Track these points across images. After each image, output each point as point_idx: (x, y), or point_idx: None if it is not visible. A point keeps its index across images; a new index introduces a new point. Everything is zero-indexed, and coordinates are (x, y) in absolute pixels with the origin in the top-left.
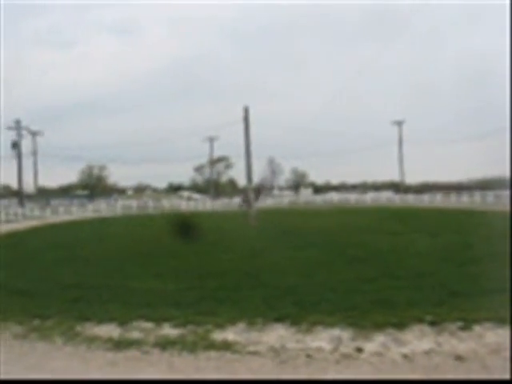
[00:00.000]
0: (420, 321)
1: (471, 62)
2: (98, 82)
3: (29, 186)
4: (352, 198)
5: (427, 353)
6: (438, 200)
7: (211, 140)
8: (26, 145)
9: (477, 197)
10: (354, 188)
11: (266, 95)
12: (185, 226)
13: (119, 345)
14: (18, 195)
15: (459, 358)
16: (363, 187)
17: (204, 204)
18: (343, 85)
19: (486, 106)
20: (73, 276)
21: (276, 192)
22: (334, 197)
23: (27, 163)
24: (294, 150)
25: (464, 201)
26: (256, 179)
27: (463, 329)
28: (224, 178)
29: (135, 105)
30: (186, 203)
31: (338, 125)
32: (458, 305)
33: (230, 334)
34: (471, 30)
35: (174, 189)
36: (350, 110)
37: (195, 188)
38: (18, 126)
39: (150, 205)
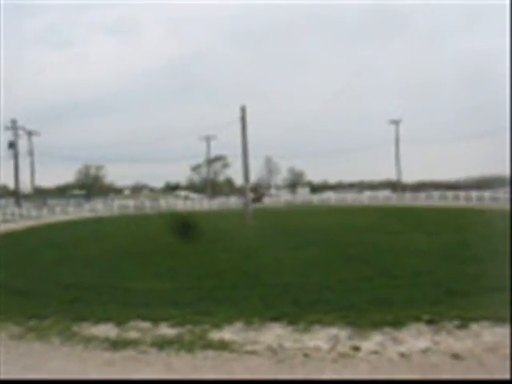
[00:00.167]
0: (417, 319)
1: (471, 61)
2: (95, 82)
3: (26, 185)
4: (349, 197)
5: (424, 351)
6: (435, 199)
7: (208, 139)
8: (23, 145)
9: (474, 195)
10: (351, 187)
11: (264, 95)
12: (182, 226)
13: (116, 345)
14: (15, 195)
15: (456, 356)
16: (360, 186)
17: (201, 203)
18: (341, 84)
19: (484, 106)
20: (70, 276)
21: (273, 191)
22: (330, 196)
23: (24, 163)
24: (291, 149)
25: (461, 199)
26: (253, 178)
27: (460, 327)
28: (221, 178)
29: (133, 104)
30: (183, 203)
31: (335, 124)
32: (455, 303)
33: (227, 334)
34: (471, 30)
35: (171, 188)
36: (347, 109)
37: (192, 187)
38: (14, 125)
39: (147, 205)
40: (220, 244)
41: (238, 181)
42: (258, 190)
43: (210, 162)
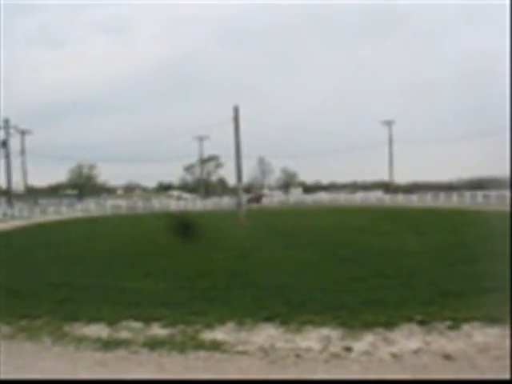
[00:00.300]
0: (409, 320)
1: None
2: (89, 81)
3: (18, 185)
4: (341, 197)
5: (416, 352)
6: (427, 200)
7: (201, 139)
8: (16, 144)
9: (467, 196)
10: (343, 188)
11: (257, 95)
12: (174, 226)
13: (108, 345)
14: (7, 195)
15: (448, 357)
16: (353, 187)
17: (194, 203)
18: (335, 85)
19: (480, 107)
20: (62, 276)
21: (266, 191)
22: (323, 196)
23: (17, 162)
24: (284, 149)
25: (454, 200)
26: (246, 179)
27: (452, 328)
28: (214, 178)
29: (127, 104)
30: (176, 203)
31: (329, 125)
32: (447, 304)
33: (219, 334)
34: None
35: (164, 188)
36: (341, 109)
37: (185, 187)
38: (6, 125)
39: (140, 204)
40: (213, 244)
41: (231, 181)
42: (257, 191)
43: (203, 161)
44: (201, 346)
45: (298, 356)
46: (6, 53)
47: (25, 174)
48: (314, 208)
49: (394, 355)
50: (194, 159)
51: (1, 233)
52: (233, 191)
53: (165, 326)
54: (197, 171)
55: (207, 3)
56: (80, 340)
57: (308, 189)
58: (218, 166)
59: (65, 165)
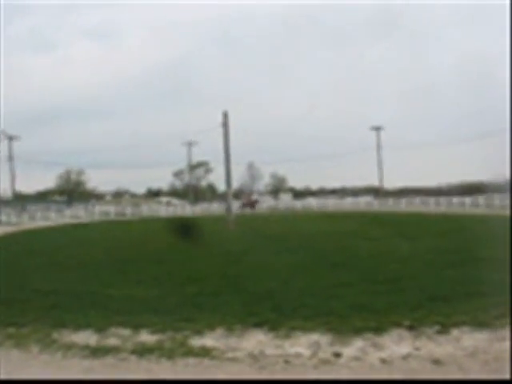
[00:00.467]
0: (398, 325)
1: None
2: (78, 86)
3: (5, 191)
4: (331, 203)
5: (405, 357)
6: (416, 204)
7: (190, 145)
8: (4, 149)
9: (455, 201)
10: (333, 193)
11: (247, 100)
12: (163, 232)
13: (96, 352)
14: None
15: (437, 361)
16: (342, 192)
17: (183, 209)
18: (325, 90)
19: (471, 111)
20: (50, 283)
21: (255, 197)
22: (313, 202)
23: (5, 168)
24: (273, 155)
25: (442, 205)
26: (235, 184)
27: (441, 333)
28: (203, 183)
29: (116, 109)
30: (165, 208)
31: (318, 130)
32: (435, 309)
33: (208, 340)
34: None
35: (153, 194)
36: (332, 115)
37: (174, 193)
38: None
39: (129, 210)
40: (202, 250)
41: (221, 186)
42: (251, 197)
43: (193, 167)
44: (190, 352)
45: (287, 362)
46: None
47: (13, 179)
48: (303, 213)
49: (383, 360)
50: (183, 165)
51: None
52: (222, 197)
53: (154, 333)
54: (186, 177)
55: (197, 8)
56: (68, 347)
57: (298, 194)
58: (208, 171)
59: (53, 171)
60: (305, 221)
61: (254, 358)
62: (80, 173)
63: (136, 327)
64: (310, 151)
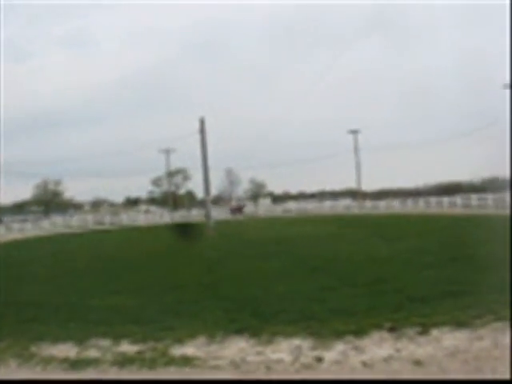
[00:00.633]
0: (379, 327)
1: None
2: (52, 96)
3: None
4: (310, 207)
5: (386, 359)
6: (395, 206)
7: (168, 152)
8: None
9: (433, 202)
10: (312, 197)
11: (224, 106)
12: (141, 241)
13: (76, 365)
14: None
15: (418, 362)
16: (321, 196)
17: (162, 217)
18: (301, 94)
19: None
20: (27, 295)
21: (243, 203)
22: (292, 206)
23: None
24: (251, 160)
25: (420, 206)
26: (214, 190)
27: (421, 333)
28: (182, 191)
29: (91, 118)
30: (144, 217)
31: (296, 135)
32: (415, 310)
33: (189, 349)
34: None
35: (132, 203)
36: (308, 119)
37: (153, 201)
38: None
39: (107, 219)
40: (181, 257)
41: (200, 193)
42: (239, 203)
43: (171, 174)
44: (171, 362)
45: (268, 368)
46: None
47: None
48: (282, 218)
49: (364, 363)
50: (161, 172)
51: None
52: (201, 204)
53: (134, 343)
54: (165, 184)
55: (171, 16)
56: (47, 361)
57: (277, 199)
58: (186, 178)
59: (30, 181)
60: (284, 225)
61: (236, 365)
62: (57, 183)
63: (116, 338)
64: (288, 156)
